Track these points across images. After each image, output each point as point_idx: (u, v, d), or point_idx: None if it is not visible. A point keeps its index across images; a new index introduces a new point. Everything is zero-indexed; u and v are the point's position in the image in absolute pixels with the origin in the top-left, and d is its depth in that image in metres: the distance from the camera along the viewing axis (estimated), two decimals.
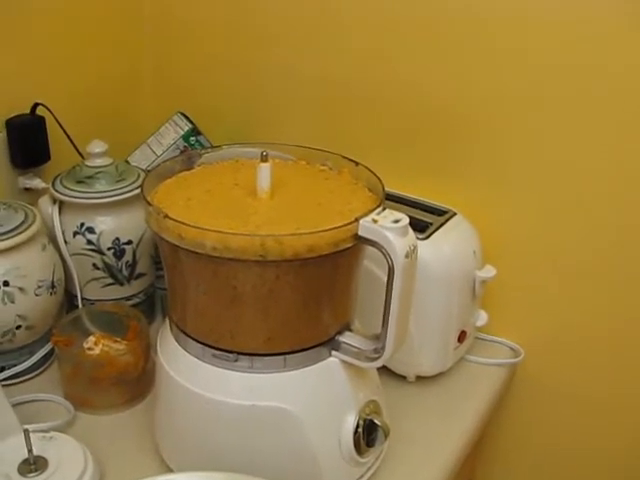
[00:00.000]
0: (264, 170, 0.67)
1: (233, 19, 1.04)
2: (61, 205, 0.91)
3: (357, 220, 0.62)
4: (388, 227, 0.61)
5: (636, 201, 0.85)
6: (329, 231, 0.61)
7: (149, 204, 0.65)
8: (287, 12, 0.99)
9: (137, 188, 0.90)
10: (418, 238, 0.82)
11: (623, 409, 0.95)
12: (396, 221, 0.61)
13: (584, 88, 0.83)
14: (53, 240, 0.90)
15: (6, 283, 0.81)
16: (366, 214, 0.62)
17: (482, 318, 0.94)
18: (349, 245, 0.63)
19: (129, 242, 0.92)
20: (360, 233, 0.62)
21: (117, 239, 0.91)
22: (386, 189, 0.68)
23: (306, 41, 0.99)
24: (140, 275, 0.95)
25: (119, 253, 0.92)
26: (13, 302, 0.82)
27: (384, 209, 0.63)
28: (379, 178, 0.70)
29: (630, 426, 0.95)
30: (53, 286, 0.86)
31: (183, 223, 0.62)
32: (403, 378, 0.91)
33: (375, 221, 0.61)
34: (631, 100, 0.81)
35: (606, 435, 0.97)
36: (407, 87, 0.94)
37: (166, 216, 0.63)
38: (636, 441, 0.95)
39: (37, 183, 0.97)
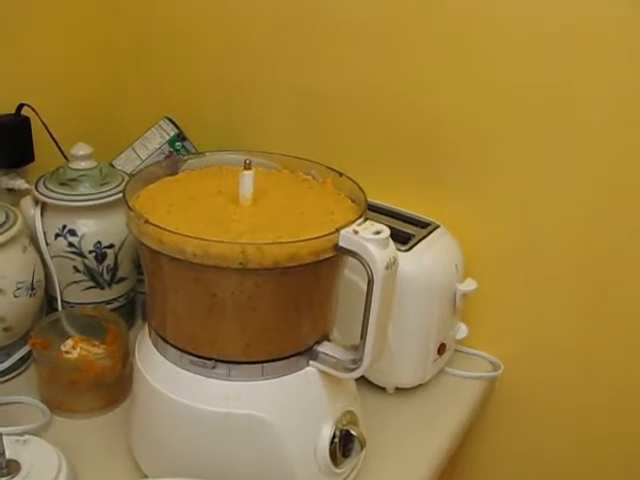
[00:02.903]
0: (247, 178, 0.67)
1: (220, 27, 1.04)
2: (43, 206, 0.91)
3: (338, 230, 0.62)
4: (369, 238, 0.61)
5: (619, 217, 0.85)
6: (310, 241, 0.61)
7: (130, 209, 0.65)
8: (275, 22, 0.99)
9: (120, 192, 0.89)
10: (400, 250, 0.83)
11: (602, 422, 0.95)
12: (377, 232, 0.61)
13: (571, 106, 0.83)
14: (34, 242, 0.89)
15: None
16: (347, 224, 0.62)
17: (462, 331, 0.94)
18: (329, 255, 0.63)
19: (111, 246, 0.91)
20: (341, 244, 0.62)
21: (99, 242, 0.91)
22: (369, 200, 0.69)
23: (293, 52, 0.99)
24: (121, 279, 0.95)
25: (100, 256, 0.91)
26: None
27: (365, 220, 0.63)
28: (362, 189, 0.70)
29: (609, 439, 0.96)
30: (33, 288, 0.86)
31: (164, 229, 0.62)
32: (382, 389, 0.91)
33: (356, 232, 0.61)
34: (617, 117, 0.81)
35: (585, 448, 0.98)
36: (393, 100, 0.94)
37: (147, 221, 0.63)
38: (614, 453, 0.96)
39: (20, 184, 0.96)
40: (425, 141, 0.94)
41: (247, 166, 0.67)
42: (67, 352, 0.85)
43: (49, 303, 0.95)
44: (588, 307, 0.91)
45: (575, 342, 0.93)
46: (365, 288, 0.63)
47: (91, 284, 0.93)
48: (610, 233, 0.86)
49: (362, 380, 0.86)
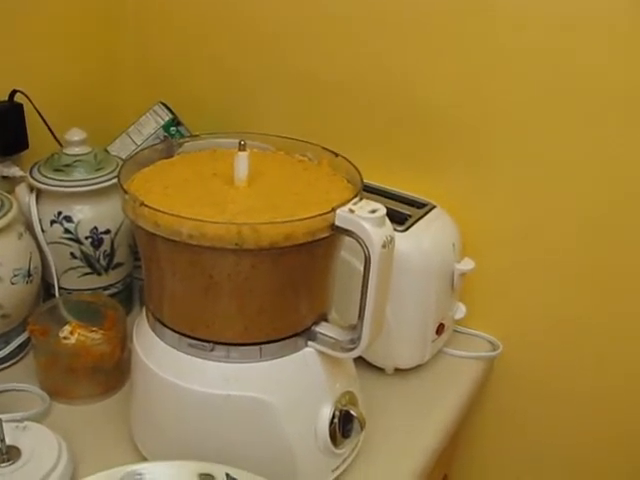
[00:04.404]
0: (241, 159, 0.66)
1: (216, 10, 1.03)
2: (38, 193, 0.91)
3: (334, 210, 0.61)
4: (365, 217, 0.61)
5: (618, 197, 0.85)
6: (306, 220, 0.61)
7: (125, 192, 0.65)
8: (272, 5, 0.98)
9: (115, 177, 0.89)
10: (397, 230, 0.83)
11: (601, 403, 0.96)
12: (373, 211, 0.61)
13: (569, 85, 0.83)
14: (30, 228, 0.89)
15: None
16: (343, 204, 0.62)
17: (460, 311, 0.94)
18: (326, 235, 0.62)
19: (107, 231, 0.91)
20: (337, 223, 0.62)
21: (95, 228, 0.90)
22: (366, 181, 0.68)
23: (288, 34, 0.98)
24: (118, 265, 0.94)
25: (97, 242, 0.91)
26: None
27: (361, 199, 0.63)
28: (357, 169, 0.69)
29: (608, 420, 0.96)
30: (29, 275, 0.86)
31: (159, 210, 0.61)
32: (381, 370, 0.91)
33: (352, 211, 0.61)
34: (617, 96, 0.81)
35: (584, 429, 0.98)
36: (389, 81, 0.93)
37: (142, 203, 0.62)
38: (613, 432, 0.96)
39: (14, 171, 0.96)
40: (422, 122, 0.93)
41: (242, 147, 0.66)
42: (65, 338, 0.85)
43: (46, 290, 0.95)
44: (587, 286, 0.91)
45: (574, 321, 0.93)
46: (362, 269, 0.63)
47: (88, 270, 0.93)
48: (610, 212, 0.86)
49: (361, 361, 0.87)
